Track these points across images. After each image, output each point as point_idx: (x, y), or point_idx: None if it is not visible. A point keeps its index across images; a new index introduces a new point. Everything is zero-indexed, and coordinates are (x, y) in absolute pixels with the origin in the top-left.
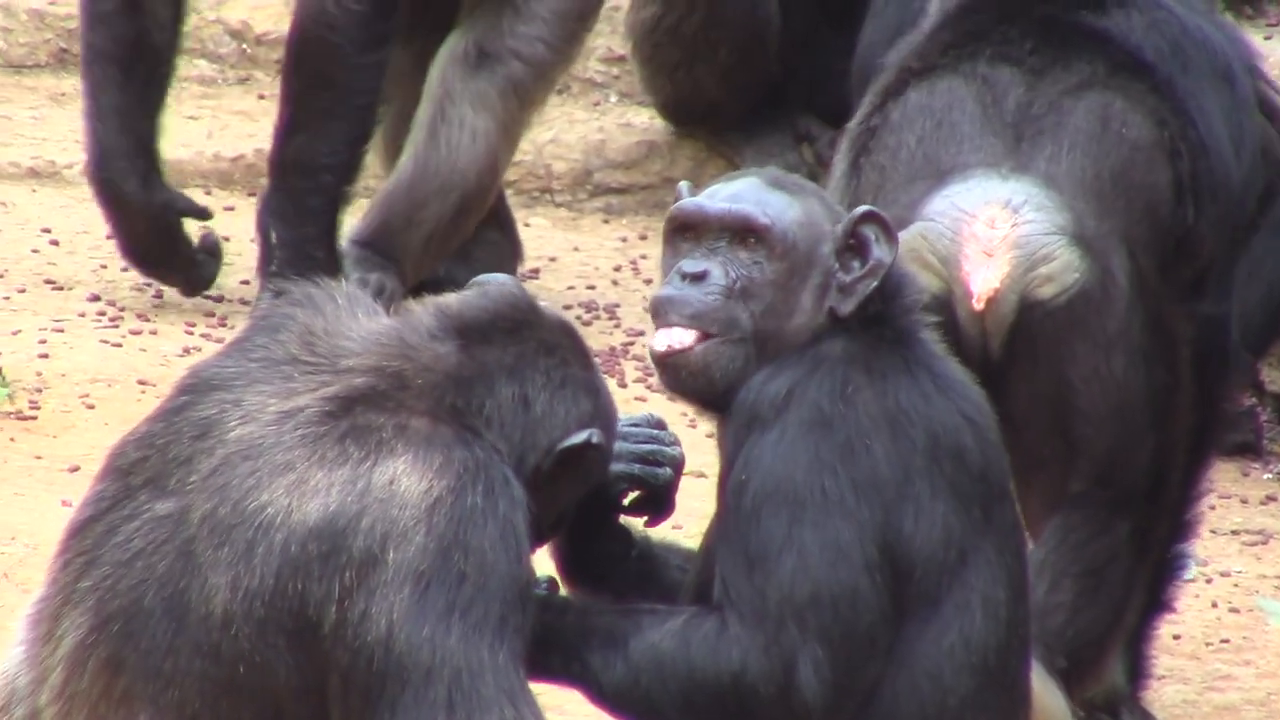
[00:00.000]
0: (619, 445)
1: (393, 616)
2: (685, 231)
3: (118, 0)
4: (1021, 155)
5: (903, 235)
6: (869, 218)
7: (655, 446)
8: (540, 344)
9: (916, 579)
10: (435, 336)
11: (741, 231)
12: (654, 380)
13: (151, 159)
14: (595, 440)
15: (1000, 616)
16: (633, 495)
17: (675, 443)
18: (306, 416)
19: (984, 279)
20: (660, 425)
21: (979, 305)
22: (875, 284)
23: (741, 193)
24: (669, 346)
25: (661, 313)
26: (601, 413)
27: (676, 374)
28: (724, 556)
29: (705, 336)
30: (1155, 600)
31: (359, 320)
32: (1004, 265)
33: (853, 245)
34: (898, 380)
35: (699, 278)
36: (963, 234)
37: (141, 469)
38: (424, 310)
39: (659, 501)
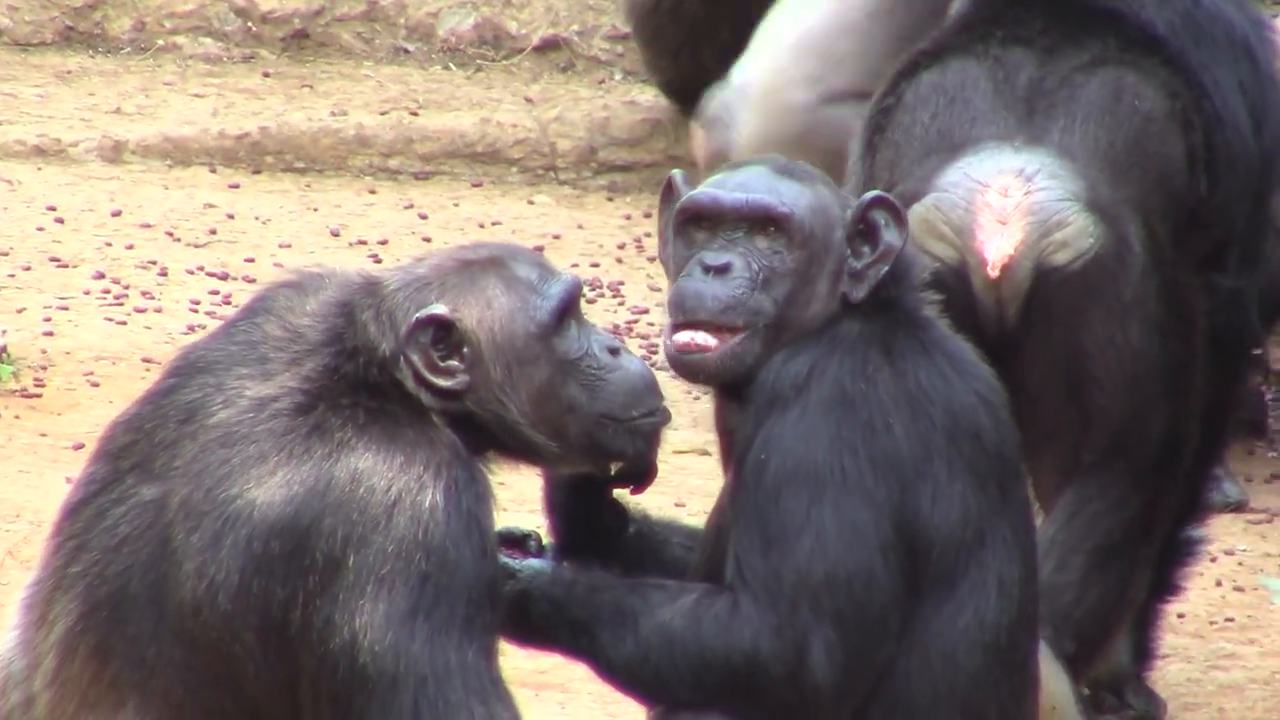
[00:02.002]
0: None
1: (355, 624)
2: (699, 222)
3: None
4: (1034, 128)
5: (916, 207)
6: (878, 203)
7: None
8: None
9: (934, 559)
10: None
11: (761, 221)
12: (658, 358)
13: None
14: (442, 313)
15: (1014, 595)
16: (615, 466)
17: None
18: (279, 407)
19: (998, 247)
20: None
21: (994, 273)
22: (887, 269)
23: (753, 181)
24: (691, 342)
25: (687, 308)
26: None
27: (693, 373)
28: (739, 535)
29: (727, 336)
30: (1164, 582)
31: (321, 298)
32: (1018, 232)
33: (863, 230)
34: (916, 360)
35: (722, 270)
36: (976, 203)
37: (130, 453)
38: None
39: (641, 469)
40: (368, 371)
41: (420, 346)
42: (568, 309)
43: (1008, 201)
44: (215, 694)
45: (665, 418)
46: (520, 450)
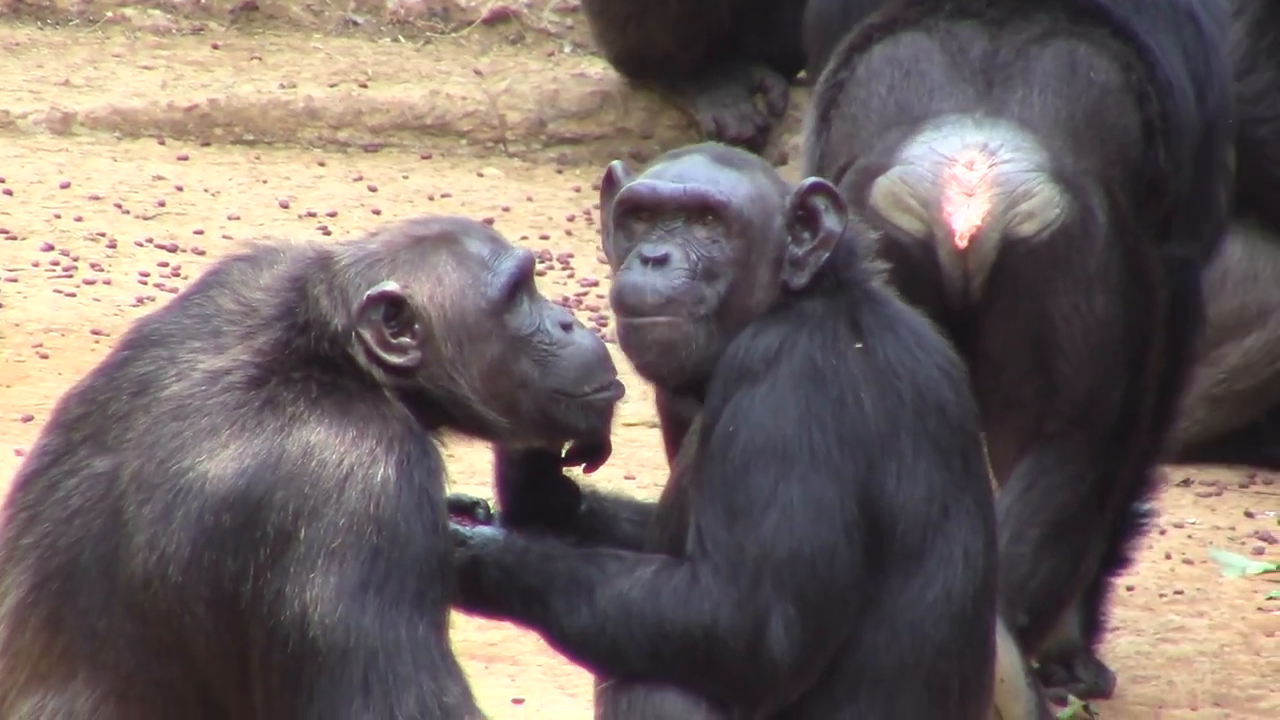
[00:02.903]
0: None
1: (306, 597)
2: (638, 213)
3: None
4: (993, 101)
5: (881, 180)
6: (817, 189)
7: None
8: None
9: (899, 535)
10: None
11: (699, 211)
12: (608, 330)
13: None
14: (393, 290)
15: (978, 566)
16: (568, 443)
17: None
18: (231, 380)
19: (965, 218)
20: None
21: (961, 244)
22: (827, 255)
23: (691, 171)
24: (639, 322)
25: (627, 304)
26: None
27: (643, 349)
28: (703, 507)
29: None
30: (1114, 555)
31: (275, 272)
32: (985, 204)
33: (802, 217)
34: (883, 336)
35: (661, 262)
36: (943, 176)
37: (83, 425)
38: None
39: (595, 446)
40: (319, 346)
41: (372, 323)
42: (519, 284)
43: (973, 174)
44: (165, 666)
45: (619, 392)
46: (473, 426)
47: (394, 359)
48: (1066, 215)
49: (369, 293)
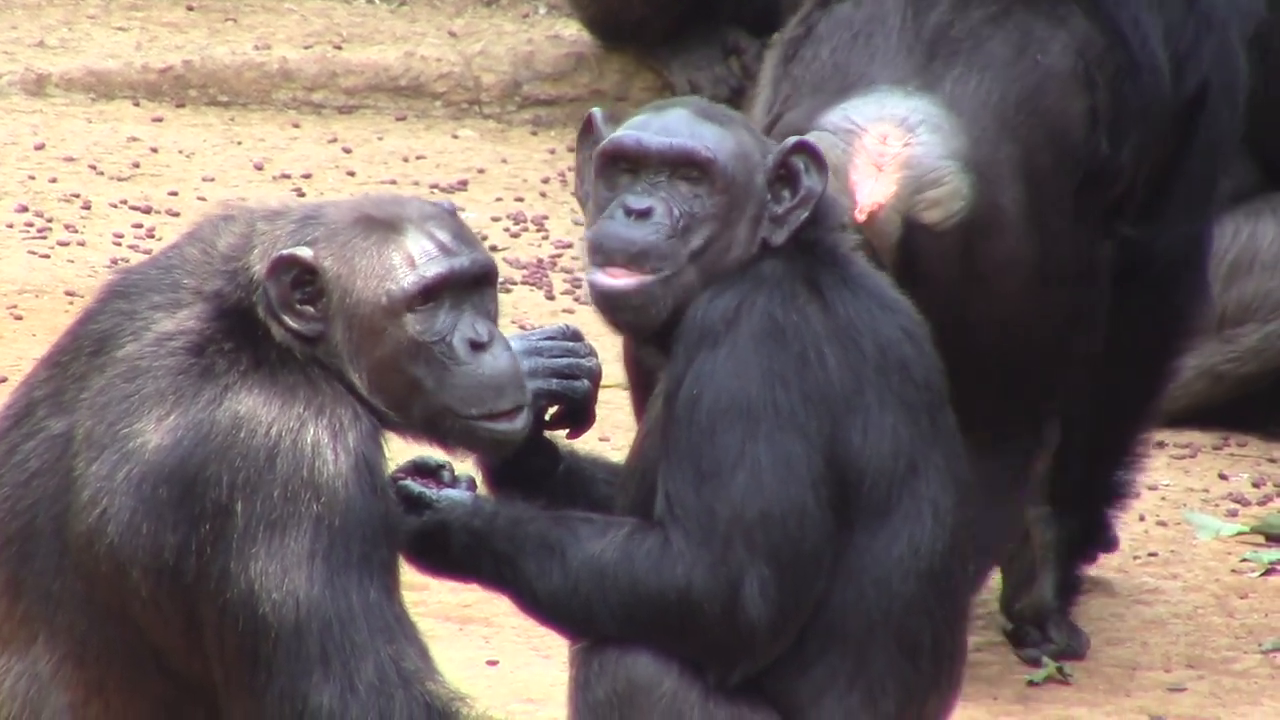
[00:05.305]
0: (535, 361)
1: (251, 573)
2: (622, 164)
3: None
4: (929, 74)
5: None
6: (799, 148)
7: (571, 360)
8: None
9: (865, 490)
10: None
11: (684, 165)
12: (581, 292)
13: None
14: (304, 257)
15: (947, 523)
16: (552, 410)
17: (591, 354)
18: (175, 346)
19: (869, 192)
20: (575, 337)
21: (860, 217)
22: (806, 214)
23: (676, 125)
24: (610, 286)
25: (604, 250)
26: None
27: (615, 309)
28: (671, 471)
29: (646, 274)
30: (1098, 530)
31: (239, 230)
32: (891, 184)
33: (783, 175)
34: (842, 294)
35: (644, 214)
36: (854, 145)
37: (45, 384)
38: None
39: (579, 414)
40: (254, 307)
41: (280, 283)
42: (434, 290)
43: (886, 149)
44: (115, 629)
45: (515, 424)
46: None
47: (292, 323)
48: (972, 209)
49: (281, 252)
